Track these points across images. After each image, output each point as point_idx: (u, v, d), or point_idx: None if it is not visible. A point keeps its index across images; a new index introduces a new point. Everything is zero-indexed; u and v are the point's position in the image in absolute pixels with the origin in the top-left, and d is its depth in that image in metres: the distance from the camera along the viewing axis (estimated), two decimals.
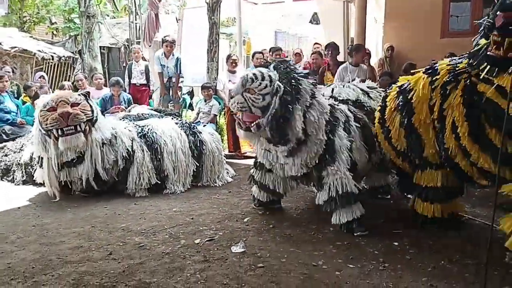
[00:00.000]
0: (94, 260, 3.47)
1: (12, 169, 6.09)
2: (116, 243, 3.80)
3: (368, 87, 4.86)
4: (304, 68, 8.44)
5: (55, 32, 17.26)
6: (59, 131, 4.98)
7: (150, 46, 8.28)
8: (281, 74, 3.80)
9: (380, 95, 4.58)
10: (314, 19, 14.42)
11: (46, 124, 4.99)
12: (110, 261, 3.43)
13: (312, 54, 8.53)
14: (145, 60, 9.29)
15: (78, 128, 5.03)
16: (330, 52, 7.66)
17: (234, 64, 7.87)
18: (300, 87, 3.79)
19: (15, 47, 12.07)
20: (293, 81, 3.77)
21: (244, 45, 11.06)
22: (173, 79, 8.31)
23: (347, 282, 3.08)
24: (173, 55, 8.27)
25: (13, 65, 11.48)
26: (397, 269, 3.28)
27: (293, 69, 3.94)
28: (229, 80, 7.74)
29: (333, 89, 4.69)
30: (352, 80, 6.81)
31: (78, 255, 3.58)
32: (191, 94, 9.98)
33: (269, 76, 3.75)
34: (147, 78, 8.59)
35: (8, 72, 8.22)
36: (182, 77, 8.54)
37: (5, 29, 14.16)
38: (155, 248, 3.68)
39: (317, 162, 3.95)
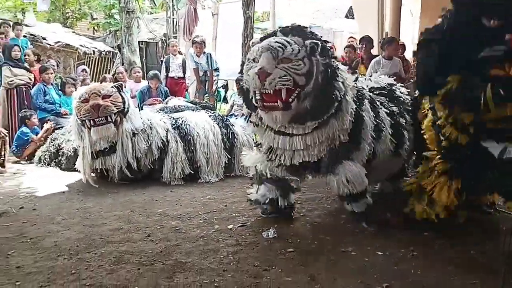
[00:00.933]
0: (134, 241, 3.68)
1: (59, 155, 6.43)
2: (153, 226, 4.00)
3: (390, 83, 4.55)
4: (339, 61, 8.49)
5: (96, 28, 17.81)
6: (91, 121, 5.26)
7: (189, 40, 8.51)
8: (301, 36, 3.41)
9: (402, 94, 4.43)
10: (350, 14, 14.33)
11: (80, 115, 5.29)
12: (148, 242, 3.62)
13: (345, 48, 8.55)
14: (181, 54, 9.54)
15: (109, 119, 5.29)
16: (364, 46, 7.67)
17: None
18: (325, 44, 3.48)
19: (59, 42, 12.57)
20: (316, 40, 3.40)
21: None
22: (208, 74, 8.54)
23: (375, 268, 3.16)
24: (204, 53, 8.52)
25: (57, 59, 11.95)
26: (426, 257, 3.33)
27: (307, 28, 3.59)
28: None
29: (357, 78, 4.34)
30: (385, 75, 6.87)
31: (118, 236, 3.80)
32: (225, 87, 10.17)
33: (294, 40, 3.35)
34: (184, 71, 8.84)
35: (53, 65, 8.62)
36: (216, 69, 8.73)
37: (49, 24, 14.73)
38: (190, 232, 3.86)
39: (342, 141, 3.58)
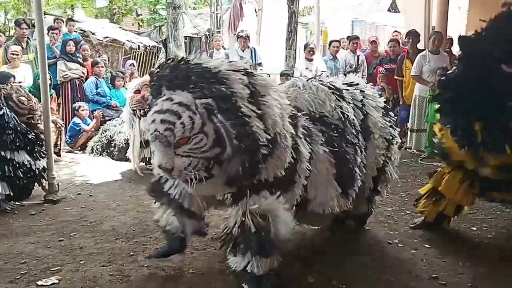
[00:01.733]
0: None
1: (111, 145, 6.73)
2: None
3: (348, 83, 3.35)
4: (381, 56, 8.43)
5: (140, 23, 18.30)
6: (142, 111, 5.51)
7: (234, 34, 8.68)
8: (190, 86, 2.39)
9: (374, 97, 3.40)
10: (393, 7, 14.13)
11: (132, 105, 5.57)
12: None
13: (389, 42, 8.48)
14: (225, 48, 9.71)
15: None
16: (410, 40, 7.58)
17: (311, 53, 8.02)
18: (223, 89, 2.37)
19: (107, 37, 12.99)
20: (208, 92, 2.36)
21: (321, 35, 11.15)
22: (251, 68, 8.67)
23: (423, 260, 3.20)
24: (248, 47, 8.65)
25: (104, 54, 12.39)
26: (474, 252, 3.35)
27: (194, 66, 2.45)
28: (306, 68, 7.92)
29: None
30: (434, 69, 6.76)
31: None
32: None
33: (182, 103, 2.35)
34: None
35: (105, 60, 8.96)
36: (259, 64, 8.84)
37: (97, 20, 15.27)
38: None
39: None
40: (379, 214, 4.15)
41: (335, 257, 3.26)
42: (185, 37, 13.31)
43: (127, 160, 6.22)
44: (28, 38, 7.64)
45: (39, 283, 2.87)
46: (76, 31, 10.19)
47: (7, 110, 4.28)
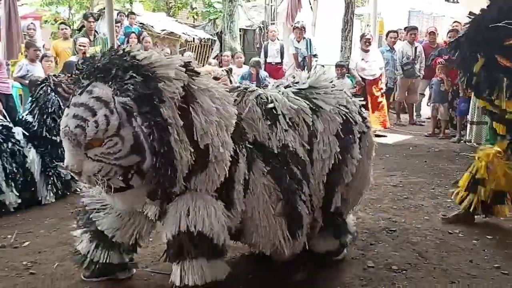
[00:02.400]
0: None
1: None
2: None
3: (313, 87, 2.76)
4: (440, 47, 8.21)
5: (195, 16, 18.67)
6: None
7: (291, 26, 8.75)
8: (112, 79, 2.09)
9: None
10: None
11: None
12: None
13: (449, 32, 8.25)
14: (279, 40, 9.78)
15: None
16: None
17: (367, 43, 7.95)
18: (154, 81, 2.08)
19: (164, 30, 13.40)
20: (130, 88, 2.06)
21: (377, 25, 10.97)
22: (307, 59, 8.70)
23: (484, 250, 3.19)
24: (304, 38, 8.68)
25: (161, 46, 12.78)
26: None
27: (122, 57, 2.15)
28: (362, 59, 7.87)
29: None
30: None
31: None
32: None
33: (99, 98, 2.06)
34: (282, 57, 9.08)
35: (167, 53, 9.25)
36: (315, 55, 8.85)
37: (154, 14, 15.74)
38: None
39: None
40: (438, 205, 4.12)
41: (393, 244, 3.29)
42: (240, 30, 13.49)
43: None
44: (95, 31, 8.05)
45: None
46: (136, 24, 10.60)
47: (53, 96, 4.48)
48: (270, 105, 2.56)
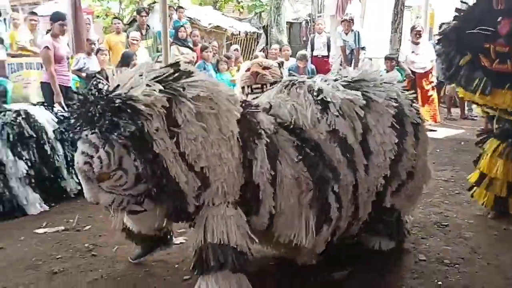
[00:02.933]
0: None
1: None
2: None
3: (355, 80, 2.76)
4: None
5: (241, 10, 18.77)
6: (249, 88, 5.74)
7: (341, 18, 8.69)
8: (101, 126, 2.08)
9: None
10: None
11: (241, 82, 5.84)
12: None
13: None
14: (326, 32, 9.72)
15: (264, 88, 5.73)
16: None
17: (418, 36, 7.78)
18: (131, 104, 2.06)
19: (211, 23, 13.58)
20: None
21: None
22: (354, 52, 8.62)
23: None
24: (352, 30, 8.59)
25: (208, 40, 12.97)
26: None
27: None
28: (412, 52, 7.71)
29: (270, 107, 2.62)
30: None
31: None
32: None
33: (97, 135, 2.09)
34: (328, 50, 9.03)
35: (215, 46, 9.41)
36: (363, 48, 8.75)
37: (201, 7, 15.95)
38: None
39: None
40: None
41: (445, 239, 3.26)
42: (286, 23, 13.50)
43: None
44: (147, 25, 8.29)
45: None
46: (184, 18, 10.81)
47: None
48: (322, 94, 2.57)
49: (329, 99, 2.54)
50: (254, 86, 5.75)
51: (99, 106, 2.07)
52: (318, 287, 2.65)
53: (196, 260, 2.30)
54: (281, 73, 5.99)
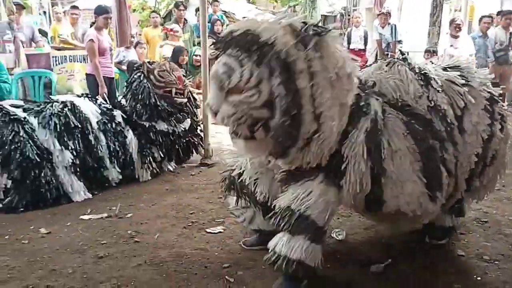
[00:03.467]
0: None
1: None
2: None
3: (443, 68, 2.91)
4: None
5: (275, 3, 18.76)
6: None
7: (379, 11, 8.62)
8: (254, 50, 2.26)
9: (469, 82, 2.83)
10: None
11: None
12: None
13: None
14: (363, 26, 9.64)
15: None
16: None
17: (457, 29, 7.63)
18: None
19: (245, 17, 13.62)
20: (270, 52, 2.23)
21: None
22: (391, 45, 8.53)
23: None
24: (388, 24, 8.49)
25: None
26: None
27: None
28: (451, 45, 7.56)
29: (374, 84, 2.71)
30: None
31: None
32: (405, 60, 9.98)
33: (246, 58, 2.26)
34: (365, 43, 8.95)
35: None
36: (399, 41, 8.64)
37: (235, 1, 16.02)
38: None
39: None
40: None
41: (484, 235, 3.24)
42: (320, 16, 13.42)
43: None
44: (185, 19, 8.41)
45: (208, 230, 3.34)
46: (219, 11, 10.88)
47: (144, 83, 4.71)
48: (424, 71, 2.74)
49: (431, 76, 2.73)
50: None
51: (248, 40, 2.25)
52: (354, 280, 2.69)
53: (278, 217, 2.45)
54: None
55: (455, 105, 2.70)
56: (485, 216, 3.55)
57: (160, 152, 4.81)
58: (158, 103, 4.73)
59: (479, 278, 2.67)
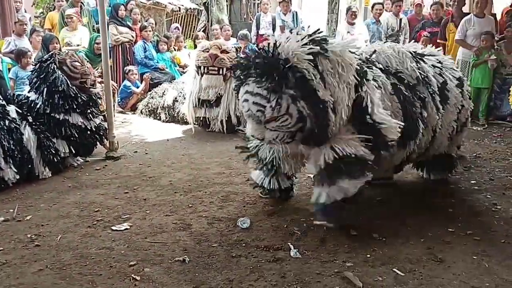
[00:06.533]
0: (236, 183, 4.21)
1: (157, 111, 7.12)
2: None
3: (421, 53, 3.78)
4: (424, 20, 8.31)
5: None
6: (206, 68, 5.84)
7: None
8: (276, 77, 2.84)
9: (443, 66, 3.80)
10: None
11: (198, 61, 5.91)
12: (248, 186, 4.09)
13: (432, 4, 8.37)
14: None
15: (220, 72, 5.84)
16: (455, 3, 7.50)
17: (353, 16, 8.08)
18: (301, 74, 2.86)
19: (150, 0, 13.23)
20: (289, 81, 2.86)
21: None
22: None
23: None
24: (290, 11, 8.74)
25: (147, 17, 12.66)
26: None
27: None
28: (348, 32, 7.98)
29: (374, 51, 3.55)
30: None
31: (222, 179, 4.35)
32: None
33: (271, 89, 2.85)
34: (274, 29, 9.12)
35: (152, 23, 9.22)
36: (302, 28, 8.92)
37: None
38: None
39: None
40: None
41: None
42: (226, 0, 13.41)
43: (176, 122, 6.62)
44: (81, 2, 7.98)
45: (114, 228, 3.30)
46: None
47: (60, 75, 4.57)
48: (419, 51, 3.75)
49: (423, 55, 3.72)
50: (210, 68, 5.99)
51: (266, 66, 2.85)
52: (260, 265, 2.84)
53: (323, 170, 3.08)
54: (237, 57, 6.12)
55: (440, 78, 3.64)
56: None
57: (68, 147, 4.64)
58: (79, 94, 4.65)
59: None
